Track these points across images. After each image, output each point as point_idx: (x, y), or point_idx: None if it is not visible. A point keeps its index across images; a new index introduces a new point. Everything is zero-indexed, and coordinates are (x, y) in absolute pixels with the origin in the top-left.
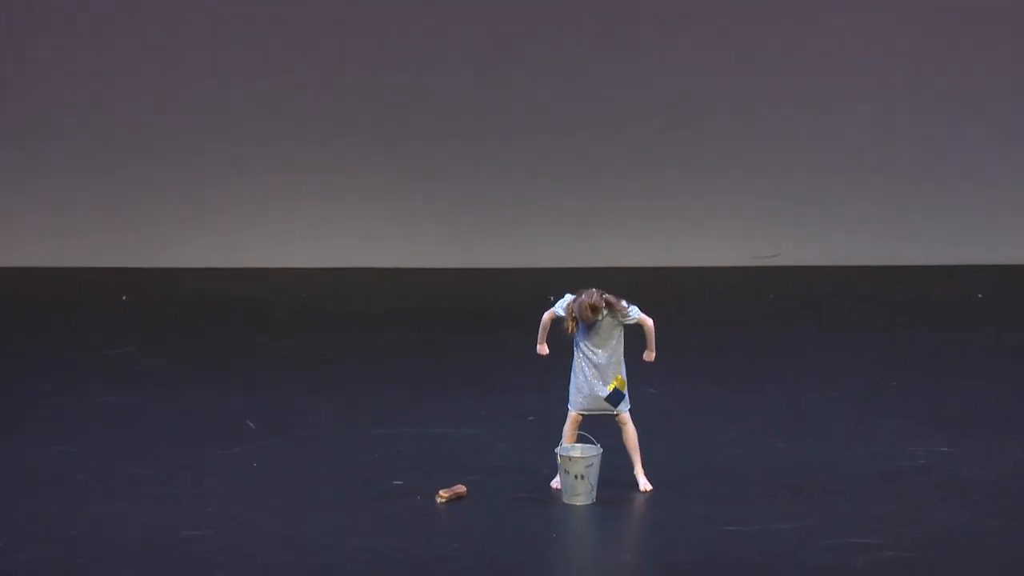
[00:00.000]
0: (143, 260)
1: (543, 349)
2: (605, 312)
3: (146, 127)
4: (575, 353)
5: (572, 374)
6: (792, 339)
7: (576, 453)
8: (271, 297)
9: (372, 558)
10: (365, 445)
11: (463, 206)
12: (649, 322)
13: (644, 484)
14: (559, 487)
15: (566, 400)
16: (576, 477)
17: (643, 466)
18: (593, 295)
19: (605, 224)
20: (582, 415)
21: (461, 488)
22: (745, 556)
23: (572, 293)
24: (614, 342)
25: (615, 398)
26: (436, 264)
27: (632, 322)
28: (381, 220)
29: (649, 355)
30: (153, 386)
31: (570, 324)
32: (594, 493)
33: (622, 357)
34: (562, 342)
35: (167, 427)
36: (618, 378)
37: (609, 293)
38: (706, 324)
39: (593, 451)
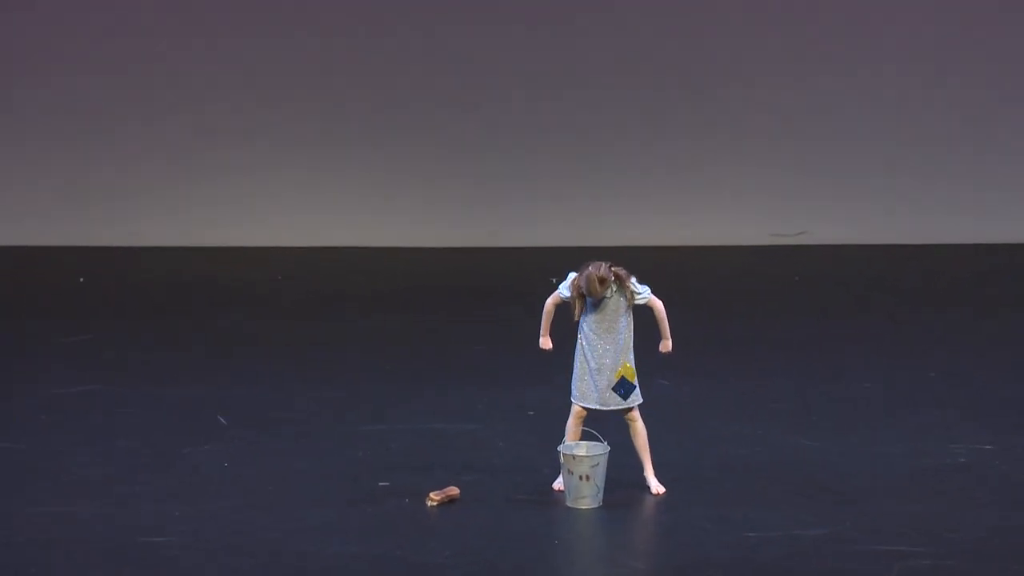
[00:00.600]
0: (104, 239)
1: (546, 343)
2: (614, 287)
3: (113, 94)
4: (578, 338)
5: (575, 362)
6: (817, 325)
7: (581, 452)
8: (256, 279)
9: (359, 562)
10: (356, 441)
11: (469, 183)
12: (659, 305)
13: (656, 487)
14: (562, 488)
15: (569, 392)
16: (581, 478)
17: (655, 465)
18: (601, 267)
19: (615, 201)
20: (586, 410)
21: (454, 490)
22: (767, 564)
23: (577, 272)
24: (622, 326)
25: (623, 389)
26: (440, 243)
27: (642, 302)
28: (383, 198)
29: (665, 344)
30: (119, 376)
31: (576, 303)
32: (600, 495)
33: (631, 344)
34: (567, 332)
35: (132, 421)
36: (625, 366)
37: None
38: (721, 308)
39: (599, 449)
